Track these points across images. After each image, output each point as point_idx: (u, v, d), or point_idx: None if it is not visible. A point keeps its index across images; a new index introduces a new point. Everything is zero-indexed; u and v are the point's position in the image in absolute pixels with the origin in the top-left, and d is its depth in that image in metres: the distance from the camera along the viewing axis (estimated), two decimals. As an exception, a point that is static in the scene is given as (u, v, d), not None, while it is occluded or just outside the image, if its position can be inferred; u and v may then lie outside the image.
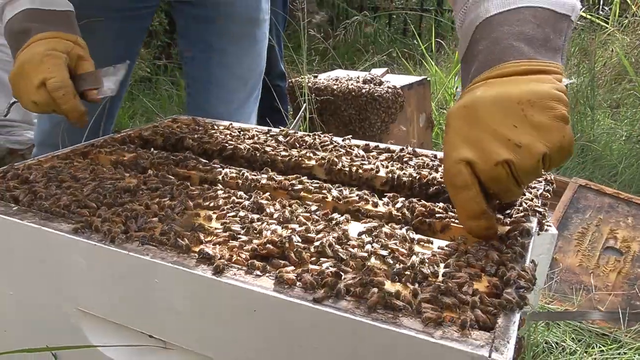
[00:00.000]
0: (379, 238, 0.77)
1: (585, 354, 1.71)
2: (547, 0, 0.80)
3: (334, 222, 0.81)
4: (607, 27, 4.45)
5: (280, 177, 0.98)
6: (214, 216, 0.82)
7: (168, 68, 5.22)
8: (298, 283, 0.64)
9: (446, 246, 0.77)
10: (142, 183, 0.94)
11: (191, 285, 0.69)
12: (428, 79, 2.98)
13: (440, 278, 0.67)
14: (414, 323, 0.58)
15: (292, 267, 0.67)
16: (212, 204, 0.86)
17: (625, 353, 1.70)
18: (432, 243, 0.78)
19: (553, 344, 1.75)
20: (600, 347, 1.74)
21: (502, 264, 0.70)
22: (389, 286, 0.64)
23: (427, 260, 0.71)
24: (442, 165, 0.80)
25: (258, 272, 0.67)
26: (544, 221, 0.89)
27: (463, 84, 0.86)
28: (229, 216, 0.82)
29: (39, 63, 1.10)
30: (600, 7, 5.19)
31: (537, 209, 0.86)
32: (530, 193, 0.93)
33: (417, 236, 0.79)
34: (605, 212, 2.39)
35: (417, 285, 0.65)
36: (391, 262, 0.70)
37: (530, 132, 0.72)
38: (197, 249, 0.71)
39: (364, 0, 7.24)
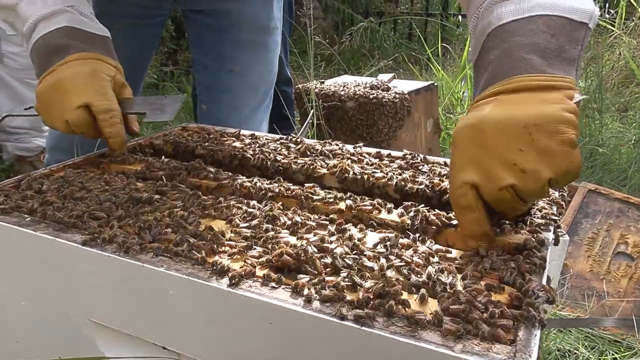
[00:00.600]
0: (395, 248, 0.76)
1: (598, 362, 1.69)
2: (563, 7, 0.78)
3: (348, 232, 0.80)
4: (613, 30, 4.43)
5: (293, 186, 0.97)
6: (228, 226, 0.82)
7: (175, 74, 5.24)
8: (315, 295, 0.64)
9: (462, 256, 0.76)
10: (154, 193, 0.94)
11: (206, 297, 0.68)
12: (435, 84, 2.97)
13: (459, 289, 0.66)
14: (433, 336, 0.57)
15: (307, 278, 0.67)
16: (225, 214, 0.86)
17: (639, 360, 1.68)
18: (450, 252, 0.77)
19: (566, 352, 1.73)
20: (613, 355, 1.72)
21: (522, 276, 0.68)
22: (406, 297, 0.63)
23: (444, 271, 0.70)
24: (449, 185, 0.79)
25: (274, 284, 0.66)
26: (558, 230, 0.88)
27: (474, 90, 0.86)
28: (242, 226, 0.81)
29: (83, 84, 1.06)
30: (606, 10, 5.17)
31: (553, 217, 0.85)
32: (544, 201, 0.92)
33: (434, 246, 0.78)
34: (615, 216, 2.37)
35: (435, 296, 0.64)
36: (407, 272, 0.69)
37: (536, 157, 0.71)
38: (211, 260, 0.71)
39: (369, 5, 7.26)
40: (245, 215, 0.86)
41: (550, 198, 0.93)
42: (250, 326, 0.66)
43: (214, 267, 0.70)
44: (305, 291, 0.64)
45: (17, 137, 3.07)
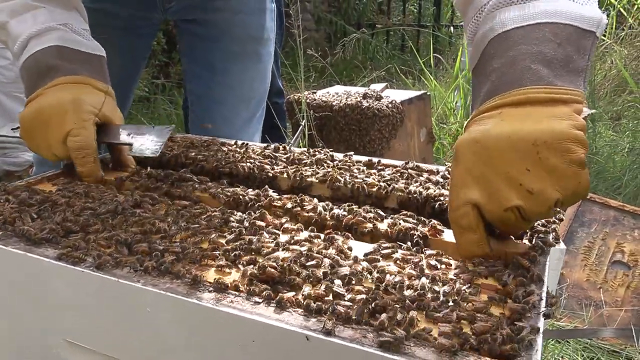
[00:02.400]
0: (387, 259, 0.73)
1: (598, 374, 1.65)
2: (570, 15, 0.73)
3: (337, 242, 0.77)
4: (604, 40, 4.45)
5: (279, 197, 0.94)
6: (210, 239, 0.78)
7: (166, 87, 5.21)
8: (299, 310, 0.60)
9: (458, 266, 0.72)
10: (135, 205, 0.90)
11: (185, 314, 0.64)
12: (428, 93, 2.96)
13: (454, 301, 0.62)
14: (427, 353, 0.54)
15: (292, 293, 0.63)
16: (208, 226, 0.82)
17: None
18: (444, 263, 0.73)
19: (564, 364, 1.69)
20: (612, 366, 1.68)
21: (521, 286, 0.65)
22: (398, 310, 0.59)
23: (439, 281, 0.66)
24: (449, 202, 0.75)
25: (257, 299, 0.62)
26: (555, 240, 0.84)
27: (473, 99, 0.82)
28: (226, 239, 0.77)
29: (64, 113, 1.01)
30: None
31: (554, 226, 0.82)
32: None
33: (429, 254, 0.74)
34: (611, 225, 2.35)
35: (428, 309, 0.60)
36: (399, 285, 0.65)
37: (543, 177, 0.67)
38: (192, 275, 0.67)
39: (361, 17, 7.28)
40: (229, 226, 0.82)
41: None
42: (233, 344, 0.62)
43: (194, 282, 0.66)
44: (289, 306, 0.60)
45: (5, 152, 3.03)
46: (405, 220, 0.85)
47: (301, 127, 2.48)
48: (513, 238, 0.78)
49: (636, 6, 4.65)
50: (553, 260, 0.88)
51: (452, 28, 6.27)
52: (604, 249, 2.27)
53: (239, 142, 1.27)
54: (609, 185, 2.89)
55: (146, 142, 1.11)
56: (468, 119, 0.78)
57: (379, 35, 6.98)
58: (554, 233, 0.80)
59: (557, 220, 0.83)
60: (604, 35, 4.48)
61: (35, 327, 0.78)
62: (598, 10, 0.74)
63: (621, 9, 4.60)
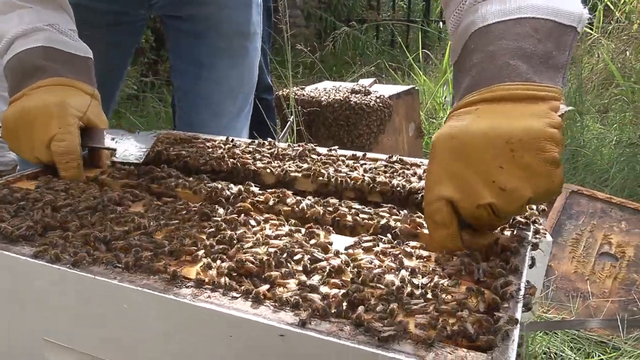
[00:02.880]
0: (366, 251, 0.72)
1: (585, 364, 1.66)
2: (551, 10, 0.73)
3: (317, 236, 0.76)
4: (592, 34, 4.48)
5: (260, 192, 0.93)
6: (190, 234, 0.77)
7: (155, 85, 5.17)
8: (277, 304, 0.59)
9: (437, 258, 0.72)
10: (114, 202, 0.89)
11: (163, 310, 0.63)
12: (416, 87, 2.96)
13: (432, 293, 0.62)
14: (404, 345, 0.53)
15: (267, 286, 0.62)
16: (188, 221, 0.81)
17: (626, 362, 1.65)
18: (425, 257, 0.73)
19: (552, 354, 1.70)
20: (599, 356, 1.69)
21: (500, 277, 0.65)
22: (376, 304, 0.59)
23: (418, 274, 0.66)
24: (424, 196, 0.75)
25: (235, 294, 0.62)
26: (541, 230, 0.84)
27: (454, 93, 0.81)
28: (205, 234, 0.77)
29: (49, 117, 1.00)
30: (585, 13, 5.21)
31: (534, 217, 0.82)
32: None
33: (408, 247, 0.74)
34: (598, 217, 2.36)
35: (406, 302, 0.60)
36: (377, 277, 0.65)
37: (516, 175, 0.67)
38: (170, 270, 0.66)
39: (351, 12, 7.27)
40: (209, 222, 0.81)
41: None
42: (211, 339, 0.61)
43: (172, 278, 0.65)
44: (267, 300, 0.59)
45: (-9, 151, 2.99)
46: (386, 214, 0.84)
47: (289, 123, 2.47)
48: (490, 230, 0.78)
49: (623, 0, 4.68)
50: (540, 253, 0.89)
51: (441, 23, 6.28)
52: (592, 240, 2.29)
53: (224, 138, 1.26)
54: (597, 178, 2.91)
55: (130, 148, 1.10)
56: (447, 114, 0.78)
57: (368, 31, 6.98)
58: (535, 225, 0.80)
59: (538, 215, 0.84)
60: (591, 29, 4.50)
61: (14, 325, 0.77)
62: (580, 5, 0.74)
63: (608, 3, 4.63)
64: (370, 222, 0.82)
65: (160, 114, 4.60)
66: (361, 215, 0.84)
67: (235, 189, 0.94)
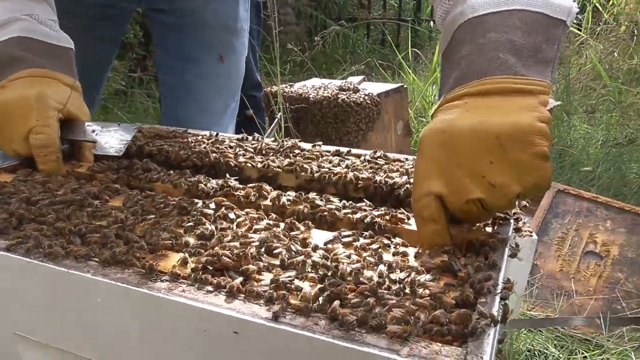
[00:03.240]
0: (345, 246, 0.72)
1: (568, 362, 1.67)
2: (541, 2, 0.73)
3: (296, 231, 0.75)
4: (580, 35, 4.50)
5: (240, 186, 0.92)
6: (167, 228, 0.76)
7: (144, 81, 5.13)
8: (252, 298, 0.59)
9: (418, 253, 0.71)
10: (92, 195, 0.88)
11: (137, 305, 0.62)
12: (405, 86, 2.96)
13: (410, 288, 0.62)
14: (378, 340, 0.53)
15: (241, 279, 0.61)
16: (166, 215, 0.80)
17: (608, 359, 1.66)
18: (404, 252, 0.72)
19: (536, 352, 1.71)
20: (583, 353, 1.70)
21: (479, 272, 0.64)
22: (351, 298, 0.58)
23: (397, 269, 0.65)
24: (412, 192, 0.75)
25: (209, 288, 0.61)
26: (523, 227, 0.84)
27: (442, 85, 0.81)
28: (183, 228, 0.76)
29: (28, 109, 0.98)
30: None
31: (515, 212, 0.82)
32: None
33: (388, 242, 0.74)
34: (584, 216, 2.38)
35: (383, 296, 0.59)
36: (355, 272, 0.64)
37: (506, 171, 0.67)
38: (145, 264, 0.65)
39: (342, 11, 7.26)
40: (188, 215, 0.80)
41: None
42: (186, 333, 0.60)
43: (147, 271, 0.64)
44: (241, 294, 0.58)
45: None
46: (366, 209, 0.84)
47: (276, 119, 2.46)
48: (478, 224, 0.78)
49: (611, 1, 4.71)
50: (525, 251, 0.89)
51: (432, 22, 6.28)
52: (577, 239, 2.30)
53: (208, 133, 1.24)
54: (583, 177, 2.93)
55: (110, 141, 1.08)
56: (435, 107, 0.78)
57: (359, 29, 6.97)
58: (515, 221, 0.80)
59: (520, 211, 0.83)
60: (580, 30, 4.53)
61: (-13, 320, 0.76)
62: None
63: (597, 4, 4.66)
64: (350, 216, 0.82)
65: (149, 110, 4.56)
66: (343, 211, 0.84)
67: (214, 182, 0.93)
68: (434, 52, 4.42)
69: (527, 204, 0.92)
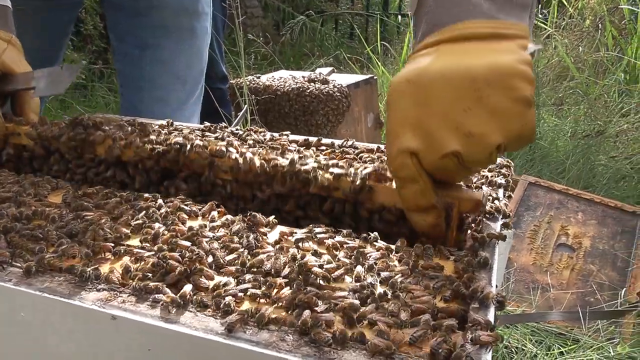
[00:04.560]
0: (318, 244, 0.63)
1: (546, 357, 1.63)
2: None
3: (258, 225, 0.66)
4: (546, 29, 4.53)
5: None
6: (110, 227, 0.65)
7: (105, 74, 4.91)
8: (206, 310, 0.49)
9: (398, 251, 0.63)
10: (27, 191, 0.76)
11: (67, 319, 0.52)
12: (375, 77, 2.89)
13: (392, 293, 0.53)
14: (358, 357, 0.44)
15: (191, 287, 0.52)
16: (109, 213, 0.70)
17: (585, 354, 1.63)
18: (383, 248, 0.64)
19: (513, 348, 1.66)
20: (559, 349, 1.66)
21: (468, 274, 0.56)
22: (324, 309, 0.49)
23: (376, 271, 0.57)
24: (386, 153, 0.67)
25: (155, 297, 0.51)
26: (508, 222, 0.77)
27: (414, 43, 0.73)
28: (129, 227, 0.65)
29: None
30: (539, 10, 5.31)
31: (504, 209, 0.74)
32: (492, 185, 0.81)
33: (366, 240, 0.65)
34: (555, 208, 2.36)
35: (362, 303, 0.51)
36: (328, 274, 0.55)
37: (484, 118, 0.59)
38: (79, 270, 0.54)
39: (310, 3, 7.16)
40: (134, 213, 0.69)
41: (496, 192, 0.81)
42: (126, 353, 0.50)
43: (81, 279, 0.54)
44: (192, 305, 0.49)
45: None
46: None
47: (242, 111, 2.35)
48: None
49: (576, -4, 4.76)
50: (502, 245, 0.81)
51: (400, 17, 6.25)
52: (549, 232, 2.28)
53: (165, 122, 1.13)
54: (553, 170, 2.93)
55: (51, 83, 1.03)
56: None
57: (327, 23, 6.89)
58: (502, 219, 0.72)
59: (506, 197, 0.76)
60: (546, 24, 4.56)
61: None
62: None
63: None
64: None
65: (110, 104, 4.37)
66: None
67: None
68: (402, 46, 4.38)
69: (512, 195, 0.85)
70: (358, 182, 0.72)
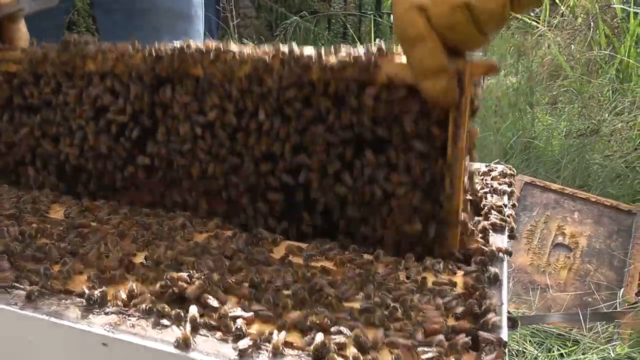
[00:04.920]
0: (326, 260, 0.62)
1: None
2: None
3: (264, 241, 0.65)
4: (539, 27, 4.54)
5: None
6: (116, 246, 0.65)
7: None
8: (217, 333, 0.48)
9: (407, 267, 0.63)
10: (28, 205, 0.75)
11: (76, 344, 0.51)
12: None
13: (403, 311, 0.53)
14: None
15: (199, 311, 0.51)
16: (115, 229, 0.69)
17: (586, 357, 1.64)
18: (391, 262, 0.63)
19: (514, 352, 1.66)
20: (559, 350, 1.67)
21: (479, 291, 0.56)
22: (337, 332, 0.49)
23: (384, 287, 0.56)
24: (393, 15, 0.65)
25: (165, 322, 0.50)
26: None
27: None
28: (136, 245, 0.65)
29: None
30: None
31: (509, 220, 0.74)
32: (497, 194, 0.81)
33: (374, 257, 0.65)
34: (552, 208, 2.36)
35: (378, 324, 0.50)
36: (340, 295, 0.55)
37: None
38: (85, 292, 0.54)
39: (302, 4, 7.15)
40: (141, 230, 0.69)
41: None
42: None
43: (88, 302, 0.53)
44: (204, 329, 0.48)
45: None
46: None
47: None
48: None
49: (567, -6, 4.78)
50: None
51: (392, 16, 6.26)
52: (546, 232, 2.28)
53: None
54: (549, 169, 2.93)
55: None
56: None
57: (320, 23, 6.88)
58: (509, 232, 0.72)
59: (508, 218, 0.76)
60: (538, 23, 4.57)
61: None
62: None
63: (554, -2, 4.72)
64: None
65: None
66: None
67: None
68: (395, 45, 4.37)
69: (516, 204, 0.85)
70: (364, 57, 0.69)
